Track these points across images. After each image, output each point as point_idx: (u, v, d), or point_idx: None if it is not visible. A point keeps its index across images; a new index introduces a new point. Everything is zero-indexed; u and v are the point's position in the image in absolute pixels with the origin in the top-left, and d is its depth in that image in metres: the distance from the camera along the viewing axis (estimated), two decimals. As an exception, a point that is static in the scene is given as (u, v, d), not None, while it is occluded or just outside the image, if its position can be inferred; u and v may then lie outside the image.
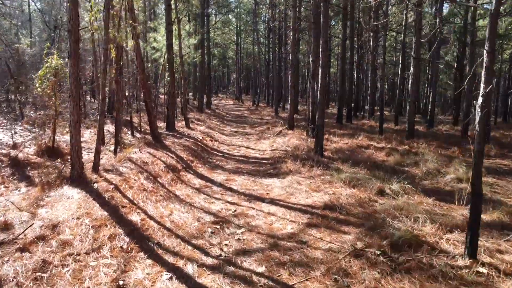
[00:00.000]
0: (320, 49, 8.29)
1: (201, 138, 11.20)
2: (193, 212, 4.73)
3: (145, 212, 4.46)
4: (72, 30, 4.78)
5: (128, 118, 13.01)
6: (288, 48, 32.12)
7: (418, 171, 7.21)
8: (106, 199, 4.53)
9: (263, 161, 8.36)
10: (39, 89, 7.02)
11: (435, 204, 4.95)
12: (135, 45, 7.75)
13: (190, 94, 34.29)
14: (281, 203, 5.17)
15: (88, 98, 21.37)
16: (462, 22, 20.78)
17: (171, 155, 7.77)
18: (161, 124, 15.05)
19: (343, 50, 16.29)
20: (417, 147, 9.97)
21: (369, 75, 19.35)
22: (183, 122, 13.38)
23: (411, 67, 10.78)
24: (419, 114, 30.39)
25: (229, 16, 37.39)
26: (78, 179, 5.00)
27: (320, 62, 8.25)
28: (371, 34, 19.18)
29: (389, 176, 6.44)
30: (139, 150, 7.38)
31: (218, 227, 4.29)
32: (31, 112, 14.29)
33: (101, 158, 8.47)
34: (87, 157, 7.20)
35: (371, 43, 19.18)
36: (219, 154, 9.50)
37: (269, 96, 33.53)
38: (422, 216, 4.06)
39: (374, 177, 6.00)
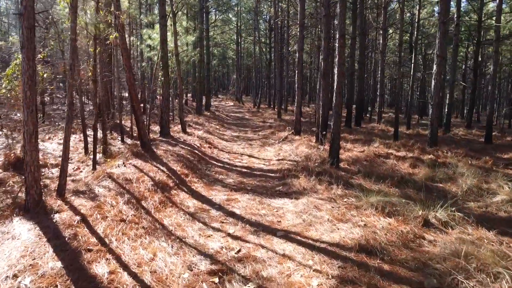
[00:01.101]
0: (337, 44, 7.13)
1: (198, 144, 10.03)
2: (183, 254, 3.56)
3: (118, 258, 3.29)
4: (25, 14, 3.63)
5: (119, 122, 11.87)
6: (290, 48, 31.04)
7: (456, 188, 6.04)
8: (67, 239, 3.37)
9: (270, 174, 7.19)
10: (3, 90, 5.86)
11: (501, 242, 3.79)
12: (119, 38, 6.58)
13: (189, 95, 33.15)
14: (299, 238, 4.00)
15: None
16: (477, 19, 19.68)
17: (162, 168, 6.60)
18: (157, 128, 13.91)
19: (353, 48, 15.14)
20: (443, 156, 8.81)
21: (378, 75, 18.21)
22: (180, 126, 12.22)
23: (434, 65, 9.62)
24: (425, 116, 29.27)
25: (229, 15, 36.27)
26: (35, 209, 3.83)
27: (337, 59, 7.10)
28: (381, 32, 18.04)
29: (424, 195, 5.29)
30: (123, 163, 6.21)
31: (217, 280, 3.13)
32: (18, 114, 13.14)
33: (81, 171, 7.33)
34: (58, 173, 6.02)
35: (381, 41, 18.04)
36: (219, 164, 8.33)
37: (270, 97, 32.38)
38: (504, 272, 2.89)
39: (410, 200, 4.83)
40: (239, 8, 33.27)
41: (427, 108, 33.19)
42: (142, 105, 20.03)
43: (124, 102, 20.73)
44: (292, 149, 9.40)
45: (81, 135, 11.67)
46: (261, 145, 11.12)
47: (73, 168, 7.36)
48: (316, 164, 7.28)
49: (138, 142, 10.24)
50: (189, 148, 9.34)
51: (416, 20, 16.54)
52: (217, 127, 15.53)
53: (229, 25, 37.04)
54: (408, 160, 8.28)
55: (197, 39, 18.42)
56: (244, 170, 7.75)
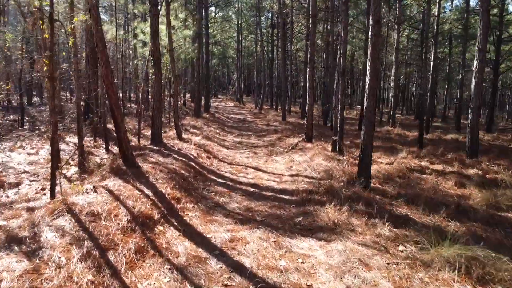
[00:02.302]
0: (370, 32, 5.67)
1: (195, 154, 8.55)
2: None
3: None
4: None
5: (103, 126, 10.40)
6: (293, 47, 29.57)
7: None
8: None
9: (284, 197, 5.71)
10: None
11: None
12: (93, 23, 5.10)
13: (188, 95, 31.67)
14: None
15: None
16: (498, 14, 18.23)
17: (146, 191, 5.11)
18: (150, 133, 12.44)
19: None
20: (490, 170, 7.33)
21: (392, 73, 16.75)
22: (175, 131, 10.72)
23: (475, 62, 8.13)
24: (434, 117, 27.86)
25: (229, 12, 34.76)
26: None
27: (370, 52, 5.62)
28: (395, 27, 16.57)
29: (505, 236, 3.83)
30: (94, 187, 4.71)
31: None
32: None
33: (45, 193, 5.84)
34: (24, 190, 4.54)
35: (395, 37, 16.58)
36: (220, 180, 6.85)
37: (272, 98, 30.91)
38: None
39: (497, 251, 3.35)
40: (239, 4, 31.80)
41: (435, 110, 31.52)
42: (136, 106, 18.53)
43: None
44: (306, 161, 7.91)
45: (69, 142, 10.21)
46: (268, 154, 9.64)
47: (36, 189, 5.88)
48: (342, 183, 5.80)
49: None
50: (184, 159, 7.85)
51: (437, 12, 15.10)
52: (217, 131, 14.05)
53: (230, 23, 35.55)
54: (449, 176, 6.80)
55: (195, 34, 16.95)
56: (250, 189, 6.27)
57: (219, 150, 10.14)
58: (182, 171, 6.70)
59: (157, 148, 8.78)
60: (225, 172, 7.60)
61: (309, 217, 4.70)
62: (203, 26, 19.88)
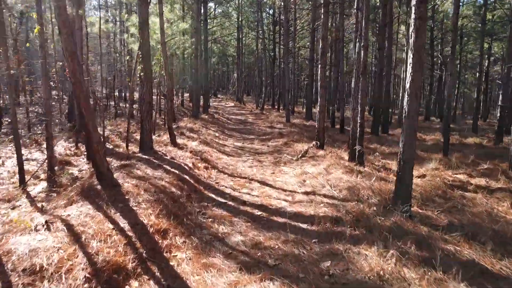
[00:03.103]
0: (413, 15, 4.45)
1: (190, 165, 7.32)
2: None
3: None
4: None
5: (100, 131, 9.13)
6: (296, 44, 28.35)
7: None
8: None
9: (301, 225, 4.47)
10: None
11: None
12: (53, 4, 3.86)
13: (186, 95, 30.43)
14: None
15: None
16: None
17: (122, 222, 3.89)
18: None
19: (382, 39, 12.45)
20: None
21: (402, 70, 15.52)
22: (169, 136, 9.48)
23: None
24: (434, 118, 26.55)
25: (229, 9, 33.46)
26: None
27: (413, 40, 4.41)
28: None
29: None
30: (46, 222, 3.47)
31: None
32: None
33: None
34: None
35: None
36: (219, 199, 5.62)
37: (274, 97, 29.68)
38: None
39: None
40: (240, 0, 30.52)
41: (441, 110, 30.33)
42: (127, 106, 17.31)
43: (100, 103, 18.00)
44: (322, 173, 6.67)
45: (43, 149, 8.96)
46: (275, 162, 8.40)
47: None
48: (375, 208, 4.57)
49: (110, 159, 7.56)
50: (177, 171, 6.63)
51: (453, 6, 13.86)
52: (216, 134, 12.82)
53: (230, 20, 34.27)
54: (499, 194, 5.58)
55: (193, 28, 15.70)
56: (257, 212, 5.04)
57: (219, 157, 8.91)
58: (173, 189, 5.47)
59: (146, 157, 7.55)
60: (226, 187, 6.36)
61: (339, 261, 3.47)
62: (202, 21, 18.64)
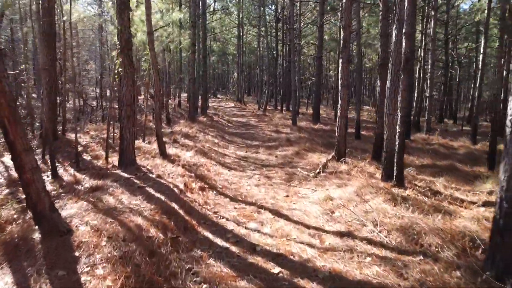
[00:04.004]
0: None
1: (182, 186, 5.71)
2: None
3: None
4: None
5: (71, 136, 7.60)
6: (300, 42, 26.73)
7: None
8: None
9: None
10: None
11: None
12: None
13: (184, 95, 28.79)
14: None
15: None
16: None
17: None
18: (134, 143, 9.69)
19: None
20: None
21: (428, 71, 13.95)
22: (158, 145, 7.86)
23: None
24: (451, 120, 24.96)
25: (229, 3, 31.80)
26: None
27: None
28: (432, 13, 13.77)
29: None
30: None
31: None
32: None
33: None
34: None
35: (432, 25, 13.77)
36: (217, 242, 4.02)
37: (276, 97, 28.07)
38: None
39: None
40: (241, -4, 28.89)
41: (452, 111, 28.65)
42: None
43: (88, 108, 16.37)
44: (353, 200, 5.07)
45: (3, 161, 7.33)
46: (287, 180, 6.80)
47: None
48: (458, 273, 2.97)
49: (83, 177, 6.00)
50: (162, 196, 5.05)
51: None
52: (215, 140, 11.22)
53: (230, 16, 32.66)
54: None
55: (190, 22, 14.08)
56: (273, 269, 3.44)
57: (218, 172, 7.29)
58: (153, 230, 3.86)
59: (125, 175, 5.96)
60: (227, 219, 4.76)
61: None
62: (200, 15, 17.02)
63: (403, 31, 5.52)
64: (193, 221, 4.53)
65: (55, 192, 5.53)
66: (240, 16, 29.41)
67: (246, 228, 4.50)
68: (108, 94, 19.50)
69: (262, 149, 10.06)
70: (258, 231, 4.39)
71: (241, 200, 5.64)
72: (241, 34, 30.64)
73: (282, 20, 27.33)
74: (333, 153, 7.72)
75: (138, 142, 9.94)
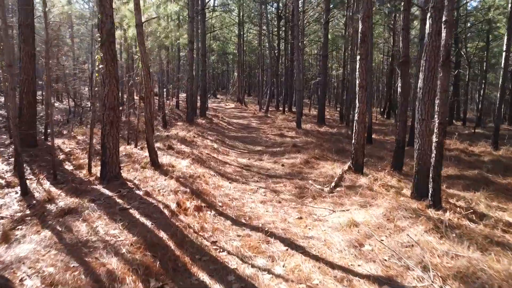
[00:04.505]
0: None
1: (174, 206, 4.75)
2: None
3: None
4: None
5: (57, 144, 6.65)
6: (304, 40, 25.76)
7: None
8: None
9: None
10: None
11: None
12: None
13: (183, 95, 27.80)
14: None
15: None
16: None
17: None
18: (125, 149, 8.70)
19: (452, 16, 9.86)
20: None
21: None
22: (148, 154, 6.88)
23: None
24: (460, 121, 23.99)
25: (229, 1, 30.81)
26: None
27: None
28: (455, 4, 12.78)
29: None
30: None
31: None
32: None
33: None
34: None
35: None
36: (217, 292, 3.06)
37: (278, 98, 27.11)
38: None
39: None
40: (241, -6, 27.93)
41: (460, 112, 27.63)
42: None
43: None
44: (385, 227, 4.11)
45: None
46: (297, 195, 5.83)
47: None
48: None
49: (58, 192, 5.06)
50: (149, 222, 4.10)
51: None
52: (215, 145, 10.25)
53: (230, 14, 31.71)
54: None
55: (189, 17, 13.12)
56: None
57: (217, 185, 6.32)
58: (130, 279, 2.90)
59: (107, 192, 5.01)
60: (229, 253, 3.79)
61: None
62: (199, 10, 16.06)
63: (443, 19, 4.57)
64: (186, 257, 3.57)
65: (19, 214, 4.57)
66: (241, 14, 28.46)
67: (252, 266, 3.54)
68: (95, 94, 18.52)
69: (266, 156, 9.09)
70: (269, 271, 3.43)
71: (245, 223, 4.68)
72: (242, 32, 29.69)
73: (284, 18, 26.38)
74: (349, 163, 6.76)
75: (130, 148, 8.99)
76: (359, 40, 6.47)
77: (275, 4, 27.88)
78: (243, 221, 4.75)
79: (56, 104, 20.23)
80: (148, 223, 4.10)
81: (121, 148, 8.97)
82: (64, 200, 4.98)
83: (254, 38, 35.90)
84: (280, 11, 26.55)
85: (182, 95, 26.78)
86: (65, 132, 11.23)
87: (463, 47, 23.30)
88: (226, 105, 28.79)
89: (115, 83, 5.14)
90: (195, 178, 6.35)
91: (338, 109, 30.44)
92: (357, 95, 6.56)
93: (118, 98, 5.22)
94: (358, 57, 6.47)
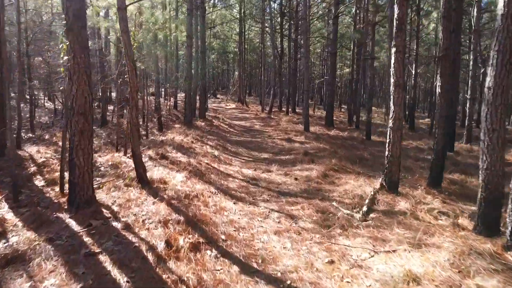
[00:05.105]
0: None
1: (161, 246, 3.54)
2: None
3: None
4: None
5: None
6: (309, 37, 24.48)
7: None
8: None
9: None
10: None
11: None
12: None
13: (183, 95, 26.58)
14: None
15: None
16: None
17: None
18: (113, 157, 7.56)
19: (460, 14, 8.63)
20: None
21: (469, 69, 11.80)
22: (134, 167, 5.66)
23: None
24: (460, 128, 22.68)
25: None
26: None
27: None
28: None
29: None
30: None
31: None
32: None
33: None
34: None
35: (474, 14, 11.60)
36: None
37: (281, 98, 25.88)
38: None
39: None
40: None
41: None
42: (114, 109, 13.53)
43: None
44: (458, 286, 2.89)
45: None
46: (321, 223, 4.60)
47: None
48: None
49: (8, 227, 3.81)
50: (124, 275, 2.87)
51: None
52: (216, 152, 9.02)
53: (231, 11, 30.48)
54: None
55: (186, 12, 11.89)
56: None
57: (219, 207, 5.09)
58: None
59: (75, 225, 3.86)
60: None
61: None
62: (199, 4, 14.81)
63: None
64: None
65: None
66: (242, 10, 27.24)
67: None
68: (108, 94, 17.26)
69: (275, 166, 7.85)
70: None
71: (258, 269, 3.45)
72: (243, 30, 28.47)
73: (289, 15, 25.13)
74: (380, 180, 5.53)
75: (118, 156, 7.78)
76: (394, 29, 5.24)
77: (278, 0, 26.68)
78: (255, 265, 3.53)
79: (47, 105, 19.03)
80: (123, 280, 2.87)
81: (108, 156, 7.77)
82: (18, 235, 3.76)
83: (255, 36, 34.69)
84: (283, 7, 25.33)
85: (181, 95, 25.57)
86: (47, 136, 10.01)
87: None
88: (227, 106, 27.57)
89: (87, 80, 3.91)
90: (192, 198, 5.13)
91: (343, 110, 29.24)
92: (392, 97, 5.33)
93: (90, 101, 3.99)
94: (393, 50, 5.24)
